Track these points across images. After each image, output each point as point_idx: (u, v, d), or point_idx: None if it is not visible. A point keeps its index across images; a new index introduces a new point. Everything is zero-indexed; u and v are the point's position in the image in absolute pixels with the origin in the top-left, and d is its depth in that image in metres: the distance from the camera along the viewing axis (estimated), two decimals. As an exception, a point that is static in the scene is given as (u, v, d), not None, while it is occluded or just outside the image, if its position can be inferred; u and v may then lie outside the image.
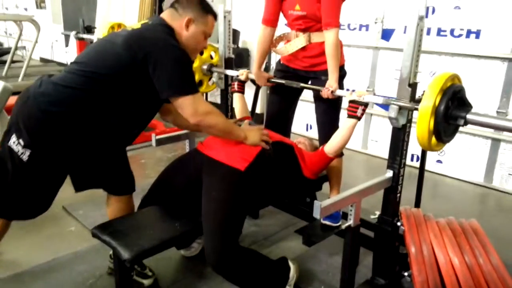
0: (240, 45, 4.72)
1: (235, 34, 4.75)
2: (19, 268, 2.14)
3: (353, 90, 1.88)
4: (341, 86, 2.14)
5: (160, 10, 5.95)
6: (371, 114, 4.00)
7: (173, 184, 1.94)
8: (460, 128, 3.59)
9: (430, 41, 3.48)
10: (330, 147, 1.91)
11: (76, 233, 2.50)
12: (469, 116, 1.53)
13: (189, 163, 1.95)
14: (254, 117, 2.67)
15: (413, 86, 1.69)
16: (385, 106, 1.76)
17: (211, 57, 2.55)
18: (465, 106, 1.57)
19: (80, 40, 4.91)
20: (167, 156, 3.82)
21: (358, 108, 1.81)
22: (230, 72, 2.46)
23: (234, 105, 2.36)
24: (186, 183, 1.90)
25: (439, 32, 3.47)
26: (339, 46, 2.00)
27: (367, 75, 3.96)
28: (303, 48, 2.14)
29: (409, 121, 1.74)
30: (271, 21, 2.16)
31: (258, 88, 2.95)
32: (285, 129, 2.39)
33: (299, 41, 2.12)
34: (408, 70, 1.67)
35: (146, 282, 2.02)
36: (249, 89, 2.75)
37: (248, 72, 2.32)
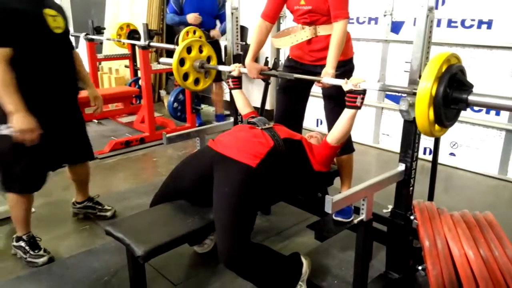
0: (248, 41, 4.72)
1: (243, 30, 4.74)
2: (36, 266, 2.18)
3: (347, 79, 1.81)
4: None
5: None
6: (382, 108, 3.97)
7: (185, 181, 1.95)
8: (473, 120, 3.55)
9: (440, 33, 3.44)
10: (331, 137, 1.89)
11: (90, 231, 2.54)
12: (470, 98, 1.47)
13: (201, 160, 1.96)
14: (264, 114, 2.65)
15: (424, 78, 1.67)
16: (396, 99, 1.74)
17: (200, 52, 2.50)
18: (466, 87, 1.50)
19: (90, 41, 4.97)
20: (178, 154, 3.85)
21: (356, 98, 1.76)
22: (222, 68, 2.43)
23: (236, 103, 2.33)
24: (197, 180, 1.91)
25: (450, 23, 3.42)
26: (345, 37, 1.96)
27: (377, 68, 3.92)
28: (309, 42, 2.11)
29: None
30: (270, 17, 2.15)
31: (267, 84, 2.94)
32: (296, 126, 2.36)
33: (304, 33, 2.10)
34: (418, 62, 1.65)
35: (108, 213, 2.62)
36: (259, 86, 2.74)
37: (240, 66, 2.28)
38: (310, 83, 2.28)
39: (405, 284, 1.90)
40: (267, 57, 2.54)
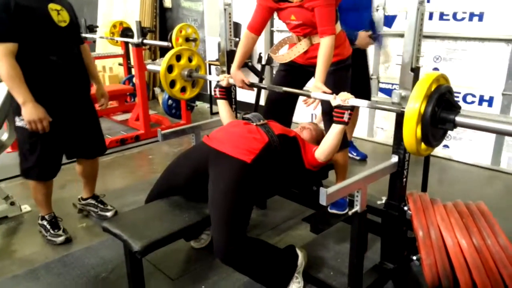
0: (242, 37, 4.72)
1: (236, 27, 4.75)
2: (34, 264, 2.19)
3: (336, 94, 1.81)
4: (347, 76, 2.13)
5: (161, 8, 5.96)
6: (376, 101, 3.98)
7: (180, 177, 1.96)
8: (466, 112, 3.56)
9: (432, 26, 3.46)
10: (320, 152, 1.90)
11: (87, 229, 2.54)
12: (458, 119, 1.48)
13: (196, 156, 1.97)
14: (258, 110, 2.66)
15: (416, 70, 1.69)
16: (389, 93, 1.75)
17: (190, 61, 2.50)
18: (453, 107, 1.51)
19: (83, 39, 4.94)
20: (173, 151, 3.86)
21: (344, 113, 1.77)
22: (210, 78, 2.43)
23: (220, 113, 2.30)
24: (192, 176, 1.92)
25: (442, 16, 3.44)
26: (332, 52, 1.96)
27: (370, 62, 3.94)
28: (305, 51, 2.13)
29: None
30: (255, 29, 2.15)
31: (261, 80, 2.95)
32: (286, 119, 2.36)
33: (300, 46, 2.12)
34: (410, 55, 1.67)
35: (108, 214, 2.60)
36: (253, 81, 2.74)
37: (229, 77, 2.26)
38: (305, 80, 2.30)
39: (400, 274, 1.93)
40: (260, 53, 2.55)
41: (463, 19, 3.34)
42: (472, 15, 3.29)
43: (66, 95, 2.24)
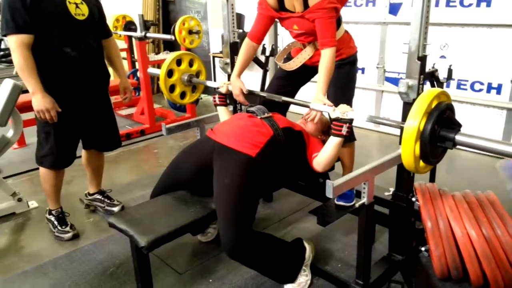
0: (246, 29, 4.69)
1: (240, 18, 4.71)
2: (42, 259, 2.20)
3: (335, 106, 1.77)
4: (351, 71, 2.10)
5: (164, 1, 5.92)
6: (382, 91, 3.94)
7: (184, 171, 1.95)
8: (474, 100, 3.53)
9: (439, 13, 3.40)
10: (318, 162, 1.87)
11: (94, 224, 2.55)
12: (458, 138, 1.44)
13: (200, 150, 1.96)
14: (262, 102, 2.63)
15: (423, 59, 1.66)
16: (396, 82, 1.73)
17: (190, 66, 2.46)
18: (454, 125, 1.47)
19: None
20: (179, 145, 3.85)
21: (342, 126, 1.72)
22: (210, 84, 2.39)
23: (220, 119, 2.28)
24: (197, 170, 1.91)
25: (448, 2, 3.38)
26: (334, 64, 1.90)
27: (376, 51, 3.89)
28: (310, 58, 2.10)
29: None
30: (256, 38, 2.12)
31: (265, 71, 2.92)
32: (283, 110, 2.32)
33: (305, 53, 2.09)
34: (416, 43, 1.63)
35: (115, 209, 2.61)
36: (258, 73, 2.71)
37: (229, 83, 2.22)
38: (307, 77, 2.26)
39: (408, 265, 1.91)
40: (264, 44, 2.52)
41: (470, 5, 3.28)
42: (479, 1, 3.22)
43: (80, 87, 2.25)
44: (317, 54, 2.08)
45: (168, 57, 2.40)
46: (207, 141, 1.93)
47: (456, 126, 1.47)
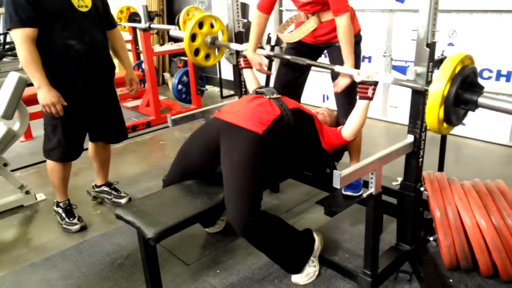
0: (250, 18, 4.64)
1: (244, 7, 4.66)
2: (51, 251, 2.22)
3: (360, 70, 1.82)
4: (357, 53, 2.07)
5: (168, -11, 5.87)
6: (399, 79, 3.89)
7: (193, 155, 1.94)
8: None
9: (447, -1, 3.34)
10: (347, 131, 1.88)
11: (102, 216, 2.56)
12: (480, 100, 1.48)
13: (207, 131, 1.95)
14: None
15: (432, 46, 1.62)
16: (403, 71, 1.71)
17: (212, 27, 2.45)
18: (476, 88, 1.50)
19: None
20: (184, 136, 3.84)
21: (368, 89, 1.75)
22: (234, 46, 2.39)
23: (246, 83, 2.30)
24: (205, 151, 1.90)
25: (457, -12, 3.32)
26: (352, 30, 1.92)
27: (383, 39, 3.84)
28: (313, 30, 2.08)
29: (429, 83, 1.68)
30: (265, 9, 2.12)
31: (271, 60, 2.90)
32: (295, 99, 2.32)
33: (309, 24, 2.07)
34: (425, 30, 1.60)
35: (122, 201, 2.62)
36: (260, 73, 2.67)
37: None
38: (313, 58, 2.24)
39: (416, 255, 1.90)
40: (269, 34, 2.49)
41: (479, -10, 3.21)
42: (489, -14, 3.16)
43: (86, 80, 2.24)
44: (320, 27, 2.07)
45: (191, 21, 2.40)
46: (214, 122, 1.93)
47: (478, 89, 1.50)
